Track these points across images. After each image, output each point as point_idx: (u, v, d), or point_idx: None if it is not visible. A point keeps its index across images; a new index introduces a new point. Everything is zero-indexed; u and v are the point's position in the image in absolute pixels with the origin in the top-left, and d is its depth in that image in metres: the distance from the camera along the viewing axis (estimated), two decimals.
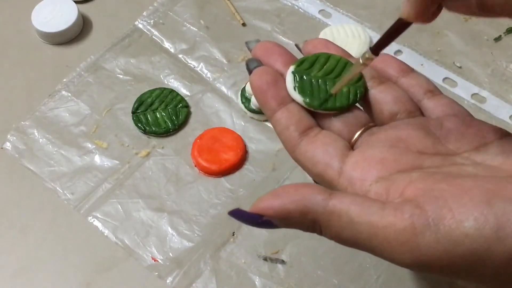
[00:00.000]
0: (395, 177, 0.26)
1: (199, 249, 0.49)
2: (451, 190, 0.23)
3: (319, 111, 0.30)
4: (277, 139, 0.32)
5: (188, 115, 0.56)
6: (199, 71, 0.59)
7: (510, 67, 0.59)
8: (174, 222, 0.50)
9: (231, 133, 0.54)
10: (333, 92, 0.30)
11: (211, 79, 0.58)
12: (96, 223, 0.50)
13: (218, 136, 0.54)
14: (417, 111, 0.30)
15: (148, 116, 0.55)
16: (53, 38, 0.60)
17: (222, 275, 0.48)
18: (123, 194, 0.52)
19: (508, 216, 0.22)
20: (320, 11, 0.63)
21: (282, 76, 0.31)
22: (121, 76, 0.59)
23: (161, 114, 0.55)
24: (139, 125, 0.55)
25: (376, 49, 0.29)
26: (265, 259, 0.49)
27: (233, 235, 0.50)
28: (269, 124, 0.55)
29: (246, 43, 0.33)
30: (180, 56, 0.60)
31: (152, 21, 0.62)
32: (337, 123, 0.30)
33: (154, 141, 0.55)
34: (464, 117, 0.30)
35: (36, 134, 0.55)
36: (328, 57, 0.32)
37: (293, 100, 0.30)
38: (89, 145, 0.54)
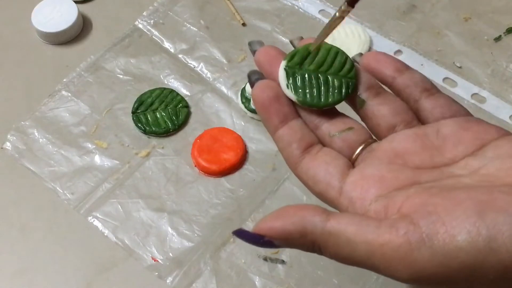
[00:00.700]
0: (393, 194, 0.26)
1: (199, 249, 0.49)
2: (444, 204, 0.24)
3: (313, 108, 0.31)
4: None
5: (188, 115, 0.56)
6: (199, 71, 0.59)
7: (510, 67, 0.59)
8: (174, 222, 0.50)
9: (231, 133, 0.54)
10: (313, 50, 0.31)
11: (211, 79, 0.58)
12: (96, 223, 0.50)
13: (218, 136, 0.54)
14: (415, 120, 0.30)
15: (148, 116, 0.55)
16: (53, 38, 0.60)
17: (222, 275, 0.48)
18: (123, 194, 0.52)
19: (500, 226, 0.22)
20: (320, 11, 0.63)
21: None
22: (121, 76, 0.59)
23: (161, 114, 0.55)
24: (139, 125, 0.55)
25: (352, 1, 0.29)
26: (265, 259, 0.49)
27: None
28: None
29: (249, 43, 0.33)
30: (180, 56, 0.60)
31: (152, 21, 0.62)
32: (338, 140, 0.30)
33: (154, 141, 0.55)
34: (461, 118, 0.30)
35: (36, 134, 0.55)
36: (318, 47, 0.32)
37: (295, 117, 0.31)
38: (89, 145, 0.54)
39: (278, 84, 0.31)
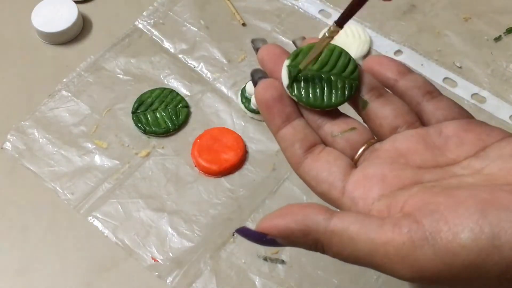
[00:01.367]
0: (396, 193, 0.26)
1: (199, 249, 0.49)
2: (447, 202, 0.24)
3: (316, 109, 0.31)
4: None
5: (188, 115, 0.56)
6: (199, 71, 0.59)
7: (510, 67, 0.59)
8: (174, 222, 0.50)
9: (231, 133, 0.54)
10: (301, 68, 0.30)
11: (211, 79, 0.58)
12: (96, 223, 0.51)
13: (218, 136, 0.54)
14: (417, 121, 0.30)
15: (148, 116, 0.55)
16: (53, 38, 0.60)
17: (222, 275, 0.48)
18: (123, 194, 0.52)
19: (503, 224, 0.22)
20: (320, 11, 0.63)
21: None
22: (121, 76, 0.59)
23: (161, 114, 0.55)
24: (139, 125, 0.55)
25: (341, 22, 0.29)
26: (265, 259, 0.49)
27: (233, 235, 0.50)
28: None
29: (252, 41, 0.33)
30: (180, 56, 0.60)
31: (152, 21, 0.62)
32: (340, 140, 0.30)
33: (154, 141, 0.55)
34: (463, 120, 0.30)
35: (36, 134, 0.55)
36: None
37: (298, 117, 0.30)
38: (89, 145, 0.54)
39: (281, 83, 0.31)
